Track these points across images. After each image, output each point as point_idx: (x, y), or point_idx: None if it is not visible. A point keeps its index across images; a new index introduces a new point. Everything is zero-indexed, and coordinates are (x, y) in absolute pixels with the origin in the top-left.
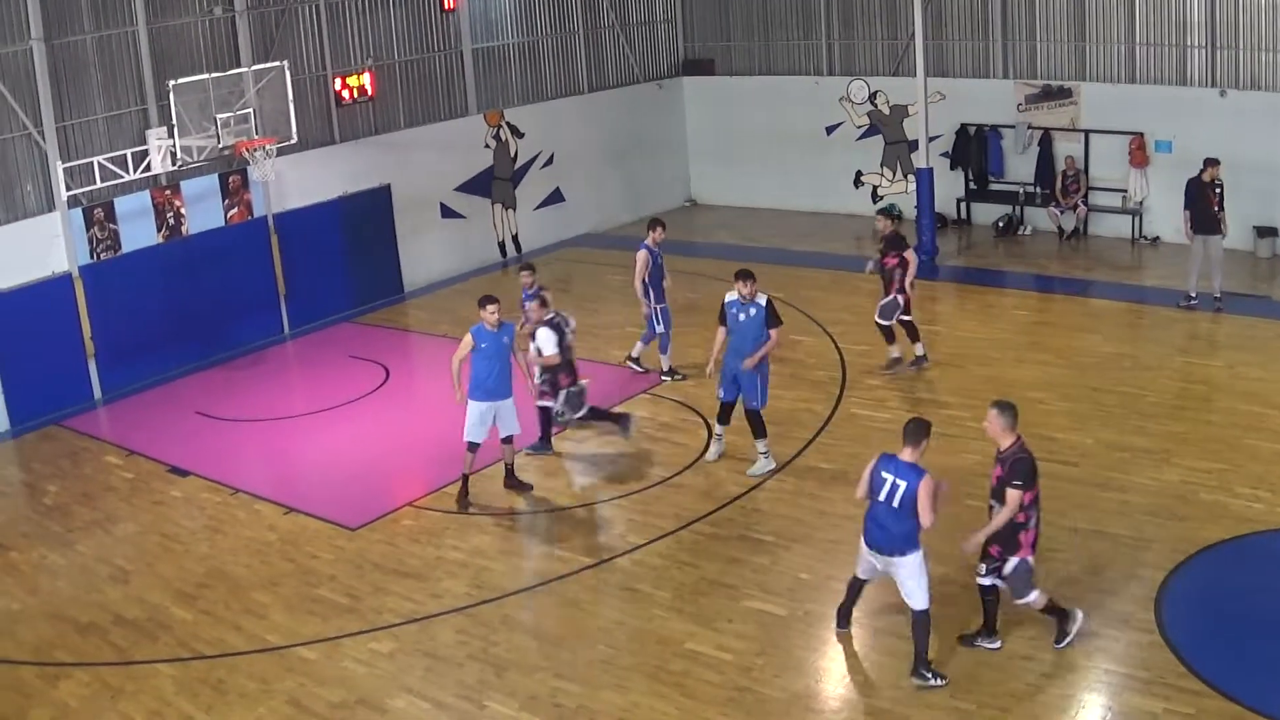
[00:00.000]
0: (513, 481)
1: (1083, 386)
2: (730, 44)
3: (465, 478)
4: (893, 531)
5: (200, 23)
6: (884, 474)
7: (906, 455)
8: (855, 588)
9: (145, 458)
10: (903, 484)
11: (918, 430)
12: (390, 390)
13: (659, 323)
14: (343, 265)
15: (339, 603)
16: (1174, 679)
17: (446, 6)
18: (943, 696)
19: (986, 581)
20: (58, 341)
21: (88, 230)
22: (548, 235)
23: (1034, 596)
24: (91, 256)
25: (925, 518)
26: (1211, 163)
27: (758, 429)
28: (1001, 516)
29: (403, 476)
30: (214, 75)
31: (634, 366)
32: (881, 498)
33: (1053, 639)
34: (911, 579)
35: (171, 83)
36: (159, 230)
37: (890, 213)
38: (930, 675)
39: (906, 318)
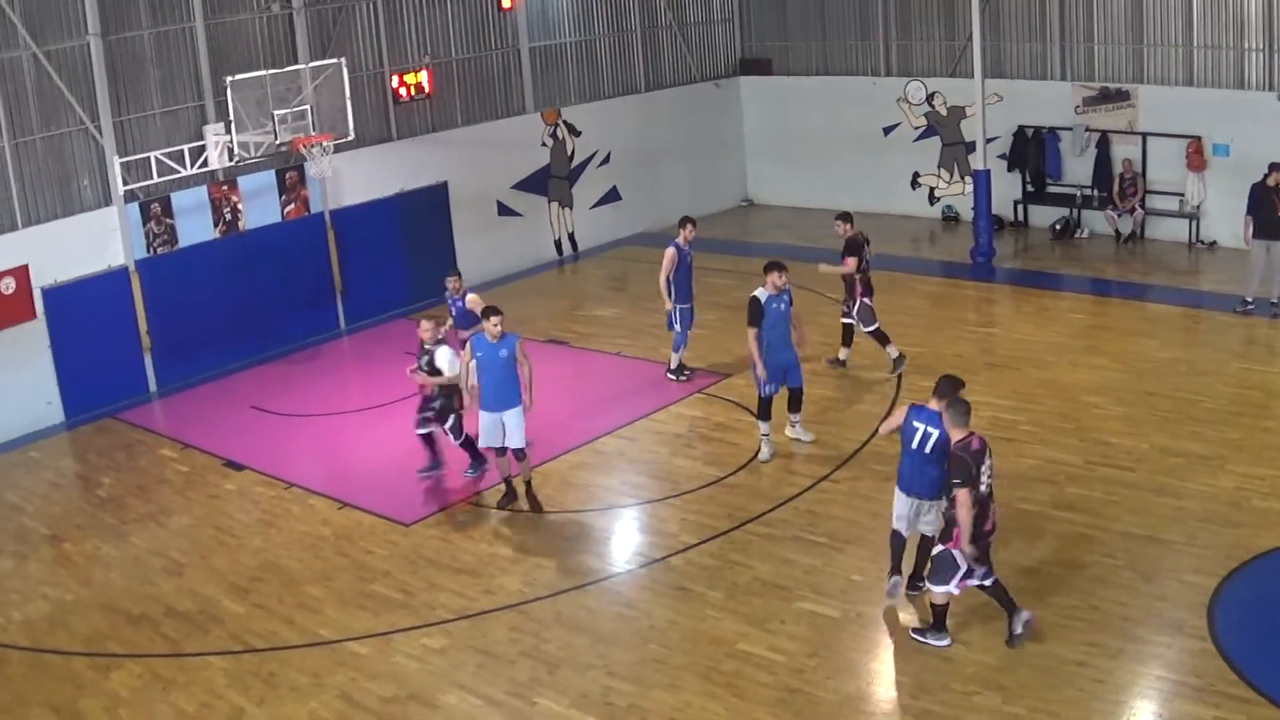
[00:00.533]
0: (533, 499)
1: (1138, 391)
2: (788, 44)
3: (507, 480)
4: (928, 476)
5: (258, 19)
6: (915, 424)
7: (934, 405)
8: (897, 543)
9: (200, 451)
10: (934, 431)
11: (948, 386)
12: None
13: (677, 322)
14: (399, 262)
15: (392, 598)
16: (1225, 687)
17: (504, 5)
18: (994, 701)
19: (973, 582)
20: (114, 335)
21: (144, 225)
22: (604, 234)
23: (942, 589)
24: (148, 251)
25: None
26: (1276, 168)
27: (800, 403)
28: (961, 516)
29: (457, 473)
30: (271, 72)
31: (674, 378)
32: (914, 446)
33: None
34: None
35: (229, 79)
36: (215, 225)
37: (848, 218)
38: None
39: (848, 320)
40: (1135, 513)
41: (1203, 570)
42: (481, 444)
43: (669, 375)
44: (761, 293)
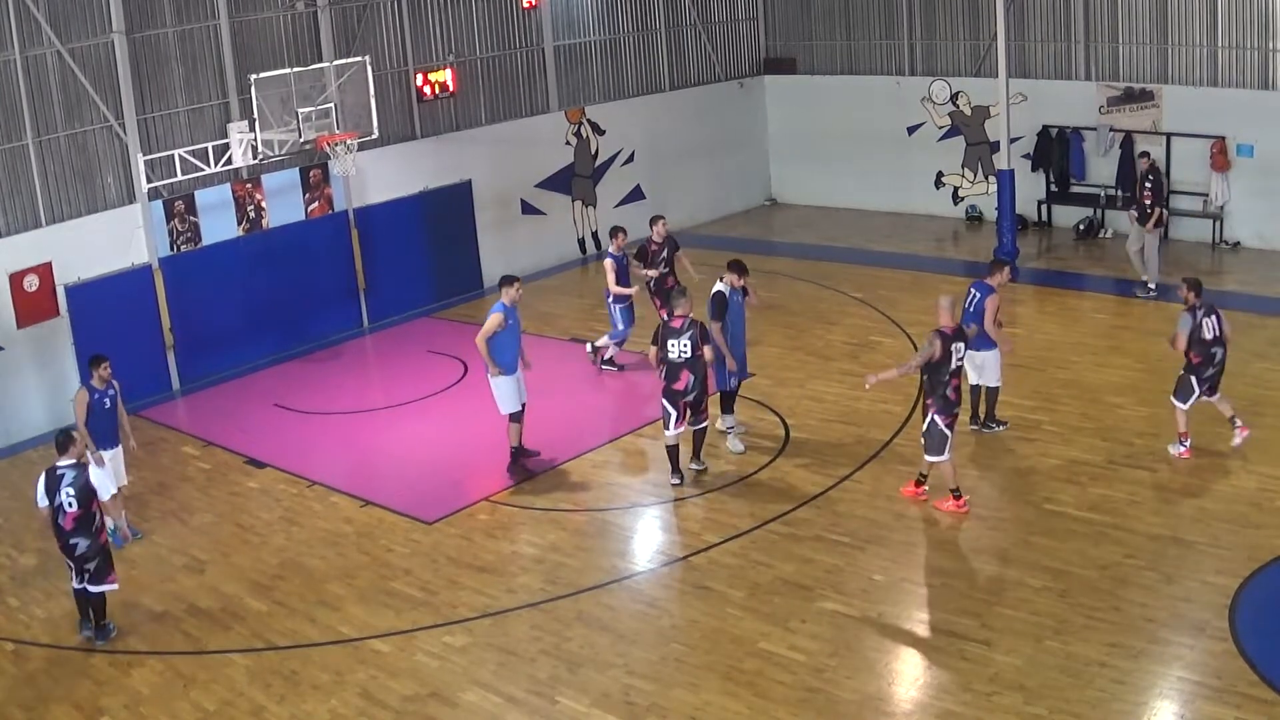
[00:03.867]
0: (523, 450)
1: (1161, 391)
2: (812, 43)
3: (514, 450)
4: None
5: (282, 17)
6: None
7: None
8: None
9: (222, 449)
10: (977, 294)
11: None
12: (468, 385)
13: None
14: (423, 260)
15: (413, 596)
16: (1246, 688)
17: (527, 4)
18: (1015, 701)
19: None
20: (137, 332)
21: (168, 222)
22: (628, 233)
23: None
24: (172, 248)
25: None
26: None
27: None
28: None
29: (479, 471)
30: (296, 70)
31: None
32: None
33: None
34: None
35: (253, 77)
36: (239, 223)
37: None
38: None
39: None
40: (1158, 513)
41: (1225, 571)
42: (510, 409)
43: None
44: (724, 286)
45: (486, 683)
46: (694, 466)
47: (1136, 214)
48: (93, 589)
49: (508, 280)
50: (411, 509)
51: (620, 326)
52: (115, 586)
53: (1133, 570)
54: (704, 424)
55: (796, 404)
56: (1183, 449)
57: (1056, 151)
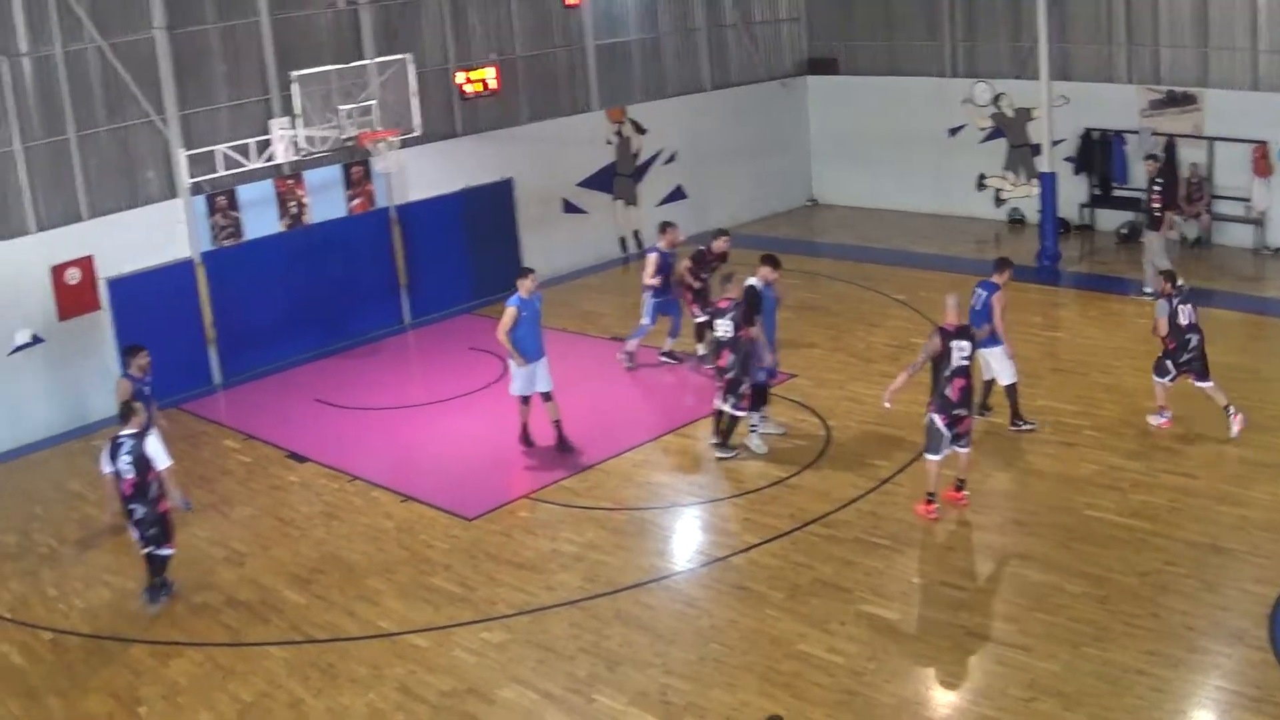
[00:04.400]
0: (562, 441)
1: (1202, 398)
2: (854, 43)
3: (525, 425)
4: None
5: (324, 14)
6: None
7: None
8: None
9: (263, 443)
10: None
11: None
12: (509, 382)
13: (648, 316)
14: (464, 258)
15: (452, 592)
16: None
17: (568, 2)
18: (1053, 707)
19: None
20: (178, 326)
21: (210, 217)
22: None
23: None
24: (213, 243)
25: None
26: None
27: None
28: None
29: (520, 468)
30: (337, 67)
31: (666, 360)
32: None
33: None
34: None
35: (295, 73)
36: (281, 219)
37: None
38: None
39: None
40: (1198, 520)
41: (1265, 580)
42: (518, 392)
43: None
44: (758, 281)
45: (524, 679)
46: (716, 451)
47: (1147, 220)
48: (157, 551)
49: (523, 273)
50: (452, 505)
51: (645, 320)
52: (172, 551)
53: (1172, 578)
54: (737, 411)
55: (837, 405)
56: (1163, 419)
57: (1099, 155)
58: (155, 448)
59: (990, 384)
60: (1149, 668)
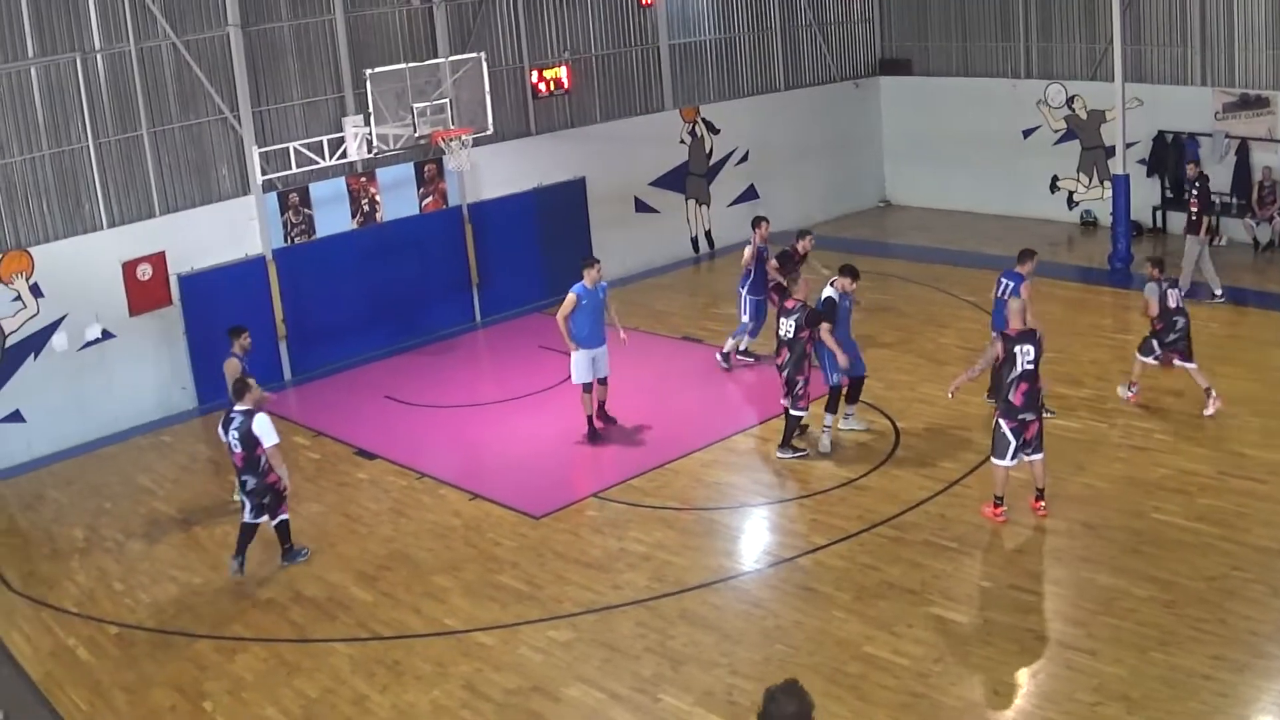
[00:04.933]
0: (604, 415)
1: (1273, 402)
2: (928, 44)
3: (590, 417)
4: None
5: (398, 12)
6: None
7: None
8: None
9: (332, 439)
10: (1009, 283)
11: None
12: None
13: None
14: (536, 256)
15: (519, 590)
16: None
17: (644, 2)
18: (1118, 712)
19: None
20: (249, 322)
21: (282, 214)
22: (740, 232)
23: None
24: (286, 240)
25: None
26: None
27: (861, 392)
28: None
29: (588, 467)
30: (411, 65)
31: (742, 359)
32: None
33: None
34: None
35: (369, 71)
36: (353, 216)
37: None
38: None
39: None
40: (1267, 525)
41: None
42: (580, 379)
43: (718, 358)
44: (834, 292)
45: (590, 678)
46: (776, 454)
47: (1186, 225)
48: (271, 520)
49: (589, 262)
50: (520, 503)
51: (745, 319)
52: (285, 517)
53: (1240, 583)
54: (795, 412)
55: (907, 407)
56: (1130, 394)
57: (1172, 157)
58: (263, 426)
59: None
60: (1214, 672)
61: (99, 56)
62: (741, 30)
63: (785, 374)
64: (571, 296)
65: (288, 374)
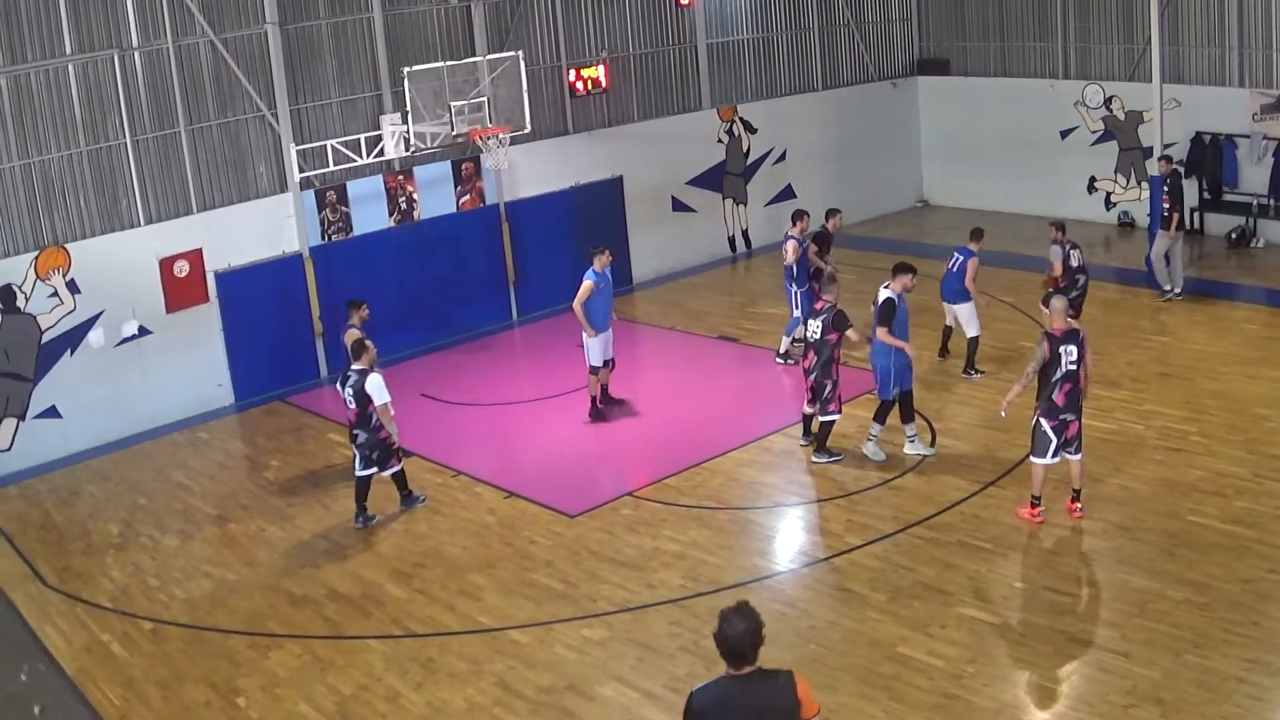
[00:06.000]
0: (608, 397)
1: None
2: (966, 44)
3: (595, 398)
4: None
5: (436, 11)
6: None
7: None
8: None
9: None
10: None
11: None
12: (615, 380)
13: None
14: (573, 255)
15: (553, 588)
16: None
17: (681, 1)
18: (1152, 715)
19: None
20: (286, 320)
21: (319, 212)
22: (778, 231)
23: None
24: (323, 238)
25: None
26: None
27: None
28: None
29: (623, 466)
30: (449, 63)
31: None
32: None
33: None
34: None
35: (406, 69)
36: (390, 214)
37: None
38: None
39: None
40: None
41: None
42: (600, 361)
43: (777, 360)
44: (893, 293)
45: (624, 677)
46: (812, 459)
47: (1160, 220)
48: (382, 472)
49: (599, 249)
50: (555, 502)
51: (797, 313)
52: (399, 468)
53: (1275, 586)
54: (823, 416)
55: (943, 408)
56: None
57: (1209, 159)
58: (375, 385)
59: (950, 331)
60: (1249, 675)
61: (137, 54)
62: (779, 30)
63: (813, 378)
64: (589, 283)
65: (324, 371)
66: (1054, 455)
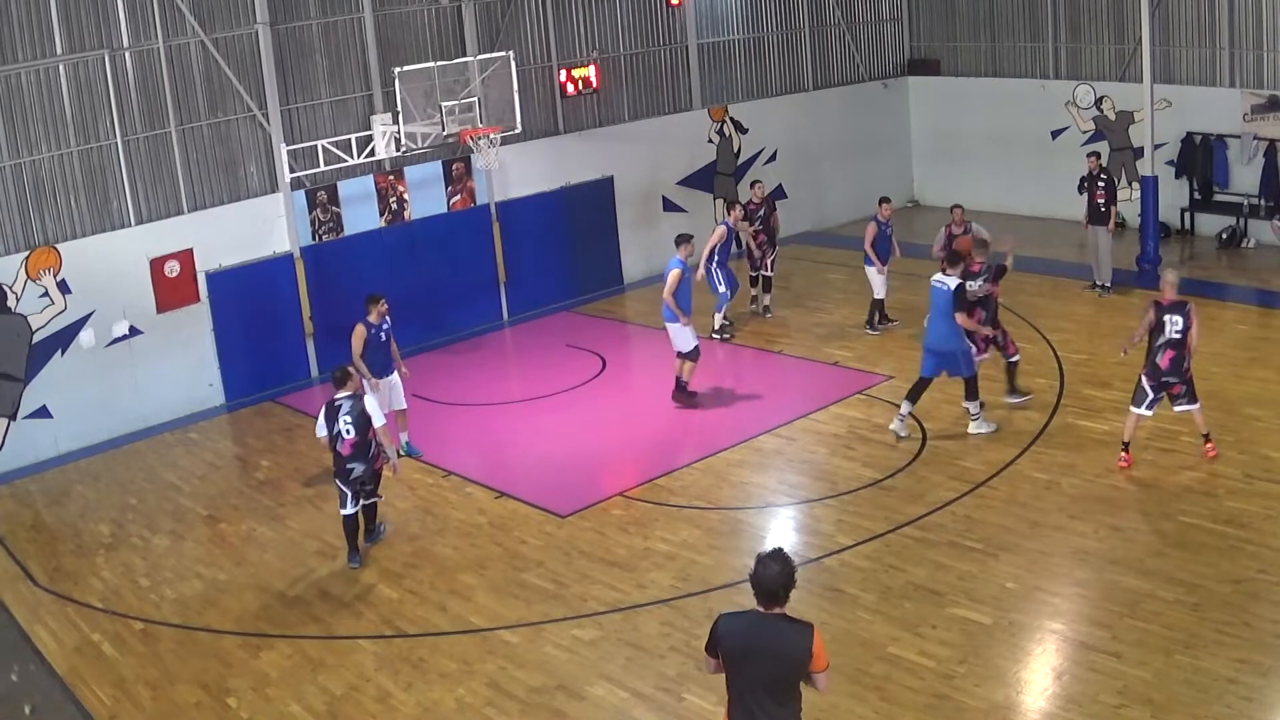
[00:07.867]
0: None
1: None
2: (956, 44)
3: (683, 383)
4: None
5: (426, 11)
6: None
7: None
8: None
9: None
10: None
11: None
12: (606, 381)
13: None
14: (563, 255)
15: (544, 588)
16: None
17: (672, 1)
18: (1142, 715)
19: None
20: (276, 320)
21: (310, 212)
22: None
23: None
24: (313, 238)
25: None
26: None
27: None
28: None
29: (615, 466)
30: (440, 64)
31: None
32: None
33: None
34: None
35: (397, 70)
36: (381, 214)
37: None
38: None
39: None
40: None
41: None
42: (688, 346)
43: (713, 336)
44: (958, 280)
45: (614, 677)
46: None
47: (1088, 216)
48: (366, 501)
49: (685, 238)
50: (546, 502)
51: (722, 288)
52: (380, 497)
53: (1265, 586)
54: (1011, 360)
55: (934, 408)
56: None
57: (1200, 159)
58: (373, 406)
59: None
60: (1239, 676)
61: (127, 54)
62: (770, 30)
63: (987, 329)
64: (676, 271)
65: (315, 371)
66: (1149, 408)
